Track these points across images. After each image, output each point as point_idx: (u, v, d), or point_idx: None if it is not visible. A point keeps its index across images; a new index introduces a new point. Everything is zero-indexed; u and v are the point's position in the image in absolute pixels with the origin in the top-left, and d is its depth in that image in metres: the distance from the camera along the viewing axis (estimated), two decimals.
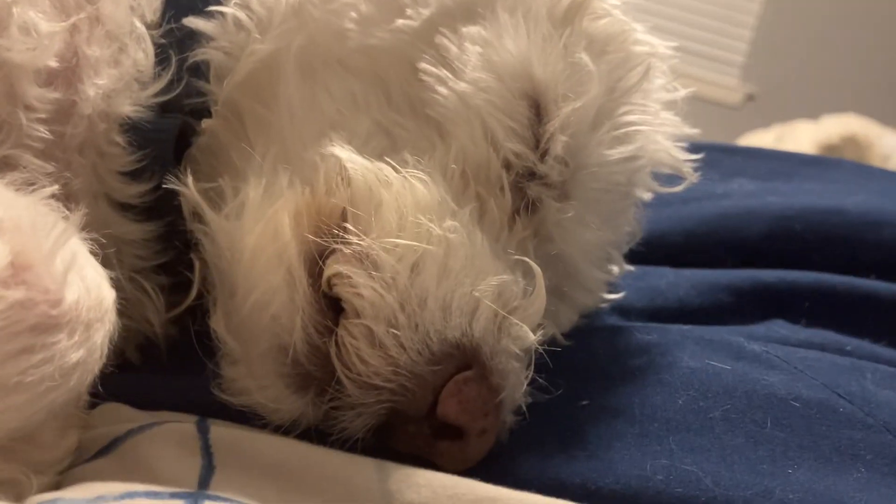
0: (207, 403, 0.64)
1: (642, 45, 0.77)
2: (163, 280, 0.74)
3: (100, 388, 0.58)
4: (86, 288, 0.55)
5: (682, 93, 0.82)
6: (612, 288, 0.86)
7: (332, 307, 0.60)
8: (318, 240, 0.60)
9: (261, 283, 0.60)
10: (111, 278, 0.59)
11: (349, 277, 0.59)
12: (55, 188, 0.59)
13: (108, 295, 0.57)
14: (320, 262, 0.60)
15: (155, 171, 0.70)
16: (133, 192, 0.70)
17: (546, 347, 0.64)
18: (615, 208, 0.75)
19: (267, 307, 0.59)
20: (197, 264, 0.70)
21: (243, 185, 0.66)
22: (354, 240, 0.59)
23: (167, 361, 0.73)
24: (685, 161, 0.79)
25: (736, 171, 1.17)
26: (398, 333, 0.58)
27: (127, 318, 0.72)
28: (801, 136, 3.16)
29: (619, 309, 0.89)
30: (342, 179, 0.62)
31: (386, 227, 0.60)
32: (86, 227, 0.68)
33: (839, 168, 1.20)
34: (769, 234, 0.99)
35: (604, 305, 0.86)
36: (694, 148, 0.83)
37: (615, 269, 0.84)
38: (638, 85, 0.75)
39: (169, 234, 0.72)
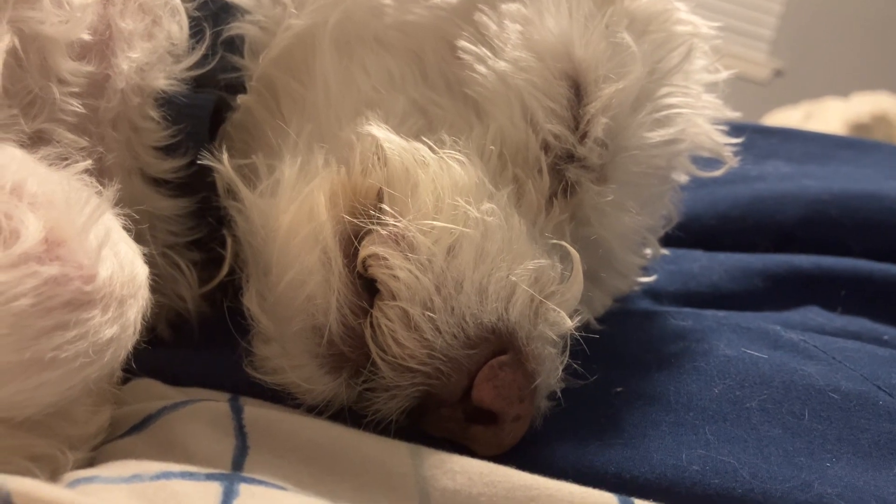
0: (239, 381, 0.63)
1: (685, 24, 0.75)
2: (196, 256, 0.73)
3: (132, 363, 0.58)
4: (119, 264, 0.54)
5: (724, 74, 0.80)
6: (645, 271, 0.85)
7: (367, 288, 0.59)
8: (354, 220, 0.59)
9: (296, 263, 0.59)
10: (144, 254, 0.58)
11: (385, 259, 0.58)
12: (88, 163, 0.58)
13: (142, 271, 0.56)
14: (356, 243, 0.59)
15: (189, 147, 0.69)
16: (167, 167, 0.69)
17: (581, 333, 0.63)
18: (654, 192, 0.74)
19: (302, 287, 0.59)
20: (230, 240, 0.69)
21: (278, 163, 0.65)
22: (391, 221, 0.59)
23: (199, 338, 0.72)
24: (725, 145, 0.77)
25: (771, 153, 1.15)
26: (434, 316, 0.57)
27: (159, 293, 0.71)
28: (831, 115, 3.11)
29: (651, 293, 0.88)
30: (378, 159, 0.61)
31: (422, 208, 0.59)
32: (119, 202, 0.68)
33: (877, 151, 1.18)
34: (804, 219, 0.98)
35: (636, 289, 0.85)
36: (731, 129, 0.81)
37: (649, 251, 0.83)
38: (680, 66, 0.73)
39: (202, 211, 0.71)
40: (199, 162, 0.67)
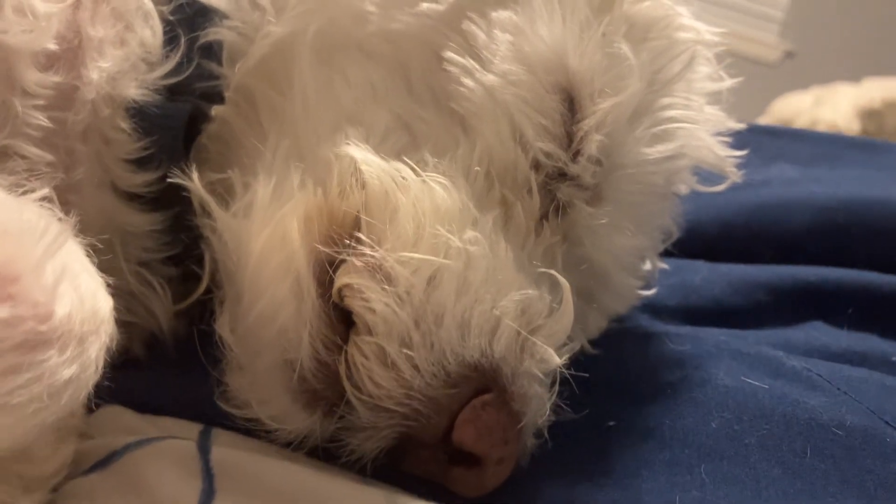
0: (212, 411, 0.60)
1: (687, 31, 0.71)
2: (172, 271, 0.70)
3: (103, 387, 0.55)
4: (79, 298, 0.51)
5: (729, 83, 0.76)
6: (644, 284, 0.81)
7: (342, 320, 0.56)
8: (329, 250, 0.56)
9: (267, 293, 0.56)
10: (109, 283, 0.55)
11: (361, 290, 0.55)
12: (46, 191, 0.55)
13: (104, 304, 0.53)
14: (330, 272, 0.56)
15: (163, 160, 0.65)
16: (140, 181, 0.66)
17: (573, 363, 0.60)
18: (651, 211, 0.70)
19: (273, 319, 0.56)
20: (207, 257, 0.66)
21: (253, 182, 0.61)
22: (367, 251, 0.55)
23: (174, 359, 0.69)
24: (729, 159, 0.73)
25: (777, 155, 1.11)
26: (412, 354, 0.54)
27: (132, 313, 0.69)
28: (841, 100, 3.06)
29: (650, 307, 0.84)
30: (356, 181, 0.58)
31: (402, 236, 0.56)
32: (90, 218, 0.65)
33: (888, 153, 1.14)
34: (811, 228, 0.94)
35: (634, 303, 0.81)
36: (735, 132, 0.77)
37: (648, 265, 0.79)
38: (681, 75, 0.70)
39: (177, 225, 0.68)
40: (169, 180, 0.63)
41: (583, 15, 0.65)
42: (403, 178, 0.58)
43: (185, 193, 0.65)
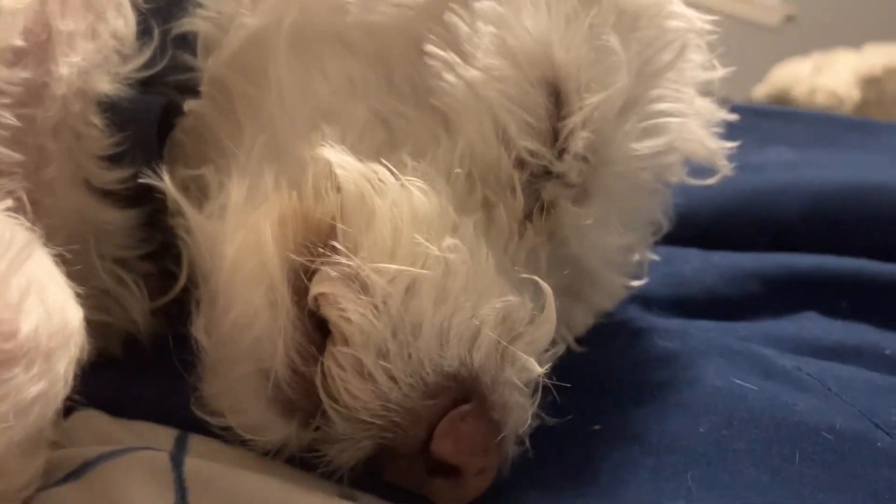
0: (189, 417, 0.59)
1: (678, 18, 0.69)
2: (149, 268, 0.69)
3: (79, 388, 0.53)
4: (47, 312, 0.49)
5: (721, 72, 0.74)
6: (634, 273, 0.80)
7: (319, 328, 0.54)
8: (303, 259, 0.54)
9: (241, 300, 0.54)
10: (79, 293, 0.53)
11: (337, 300, 0.53)
12: (17, 191, 0.53)
13: (74, 316, 0.51)
14: (305, 280, 0.54)
15: (136, 155, 0.64)
16: (113, 177, 0.64)
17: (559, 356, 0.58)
18: (640, 207, 0.69)
19: (248, 327, 0.54)
20: (184, 255, 0.64)
21: (227, 181, 0.59)
22: (343, 259, 0.53)
23: (152, 359, 0.68)
24: (720, 151, 0.71)
25: (773, 137, 1.09)
26: (388, 366, 0.52)
27: (108, 313, 0.67)
28: (841, 67, 3.03)
29: (640, 298, 0.83)
30: (331, 185, 0.56)
31: (378, 243, 0.54)
32: (63, 216, 0.64)
33: (886, 134, 1.11)
34: (806, 214, 0.92)
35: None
36: (730, 110, 0.75)
37: (637, 256, 0.77)
38: (671, 66, 0.67)
39: (154, 222, 0.66)
40: (139, 180, 0.61)
41: (570, 5, 0.62)
42: (381, 181, 0.56)
43: (158, 192, 0.63)
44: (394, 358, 0.52)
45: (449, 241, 0.54)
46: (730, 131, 0.76)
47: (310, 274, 0.54)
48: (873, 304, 0.83)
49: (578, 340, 0.70)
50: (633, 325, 0.76)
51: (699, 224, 0.94)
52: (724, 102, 0.76)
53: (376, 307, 0.52)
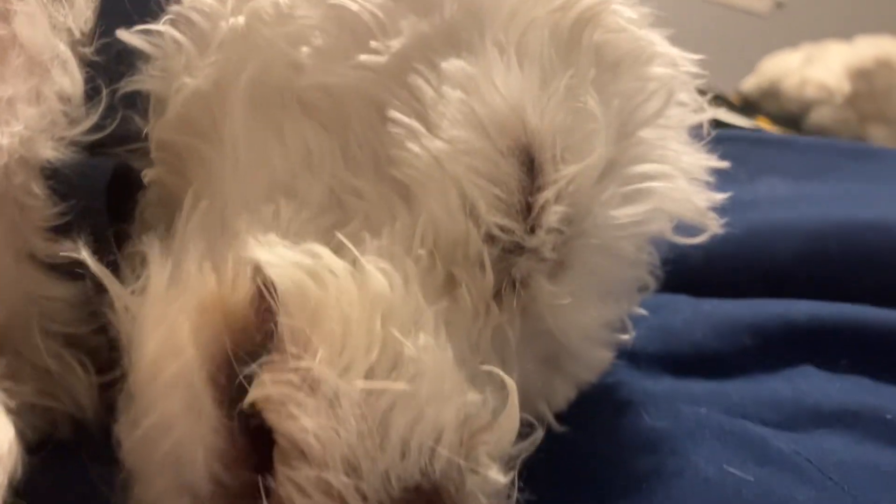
0: None
1: (661, 60, 0.63)
2: (100, 340, 0.63)
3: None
4: None
5: (710, 114, 0.69)
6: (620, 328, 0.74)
7: (255, 438, 0.48)
8: (234, 359, 0.48)
9: (159, 404, 0.49)
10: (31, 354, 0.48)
11: (281, 405, 0.47)
12: None
13: (4, 436, 0.47)
14: (242, 379, 0.48)
15: (83, 225, 0.58)
16: (60, 249, 0.58)
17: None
18: (622, 278, 0.63)
19: (167, 435, 0.48)
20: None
21: (151, 257, 0.54)
22: (290, 360, 0.48)
23: (103, 446, 0.62)
24: (710, 209, 0.66)
25: (766, 168, 1.03)
26: (360, 484, 0.46)
27: (52, 397, 0.62)
28: (832, 59, 2.98)
29: (628, 354, 0.77)
30: (266, 285, 0.50)
31: (328, 339, 0.48)
32: (6, 294, 0.58)
33: (882, 160, 1.06)
34: (801, 256, 0.87)
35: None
36: (720, 139, 0.70)
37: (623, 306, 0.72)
38: (655, 117, 0.62)
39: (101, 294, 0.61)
40: (62, 254, 0.56)
41: (545, 61, 0.57)
42: (329, 268, 0.50)
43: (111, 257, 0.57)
44: (365, 473, 0.46)
45: (423, 339, 0.49)
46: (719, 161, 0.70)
47: (246, 376, 0.48)
48: (871, 357, 0.78)
49: (559, 416, 0.65)
50: (620, 397, 0.70)
51: (689, 269, 0.88)
52: (715, 101, 0.70)
53: (336, 413, 0.47)
